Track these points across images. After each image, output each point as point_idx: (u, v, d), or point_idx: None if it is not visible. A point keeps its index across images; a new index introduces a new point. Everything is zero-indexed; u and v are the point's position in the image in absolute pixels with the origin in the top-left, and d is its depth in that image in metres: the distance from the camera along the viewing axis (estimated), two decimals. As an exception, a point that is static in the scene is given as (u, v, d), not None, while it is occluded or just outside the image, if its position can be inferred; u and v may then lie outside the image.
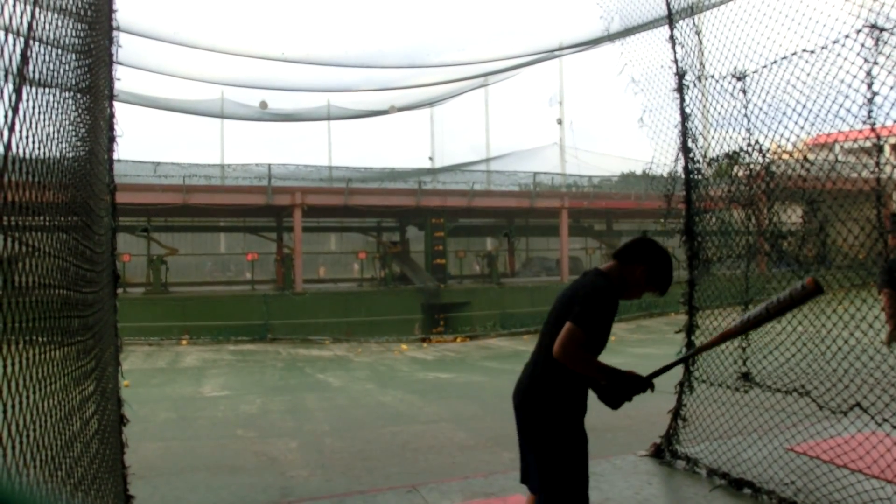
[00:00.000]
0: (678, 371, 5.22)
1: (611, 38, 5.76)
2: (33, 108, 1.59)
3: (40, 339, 1.68)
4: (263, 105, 26.45)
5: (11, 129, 1.39)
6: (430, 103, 29.96)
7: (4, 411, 1.31)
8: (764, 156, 4.30)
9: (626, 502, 4.33)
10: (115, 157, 4.27)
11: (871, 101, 3.32)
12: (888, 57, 3.29)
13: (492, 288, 23.96)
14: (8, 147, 1.37)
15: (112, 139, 4.14)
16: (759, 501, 4.23)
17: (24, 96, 1.51)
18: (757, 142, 4.31)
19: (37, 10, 1.61)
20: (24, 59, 1.53)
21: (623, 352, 14.00)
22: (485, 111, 38.50)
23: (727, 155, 4.60)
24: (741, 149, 4.44)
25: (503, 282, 24.90)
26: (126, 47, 5.02)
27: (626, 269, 2.79)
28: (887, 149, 3.49)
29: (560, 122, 35.92)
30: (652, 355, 13.50)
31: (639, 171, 27.71)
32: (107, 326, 3.42)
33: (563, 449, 2.75)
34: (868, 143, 3.45)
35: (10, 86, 1.41)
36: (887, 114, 3.36)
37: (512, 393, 3.01)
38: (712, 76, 4.64)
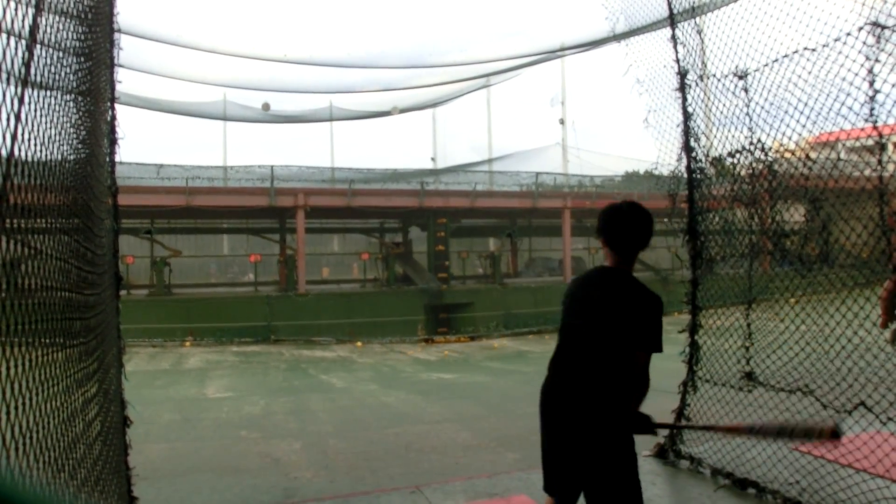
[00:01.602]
0: (682, 371, 5.21)
1: (614, 39, 5.75)
2: (35, 110, 1.59)
3: (42, 341, 1.68)
4: (266, 107, 26.49)
5: (14, 137, 1.40)
6: (432, 104, 29.97)
7: (8, 413, 1.31)
8: (766, 154, 4.30)
9: (629, 502, 4.32)
10: (118, 159, 4.28)
11: (872, 98, 3.31)
12: (890, 55, 3.28)
13: (495, 288, 23.93)
14: (11, 154, 1.38)
15: (114, 141, 4.15)
16: (763, 501, 4.22)
17: (27, 100, 1.51)
18: (759, 140, 4.30)
19: (39, 13, 1.61)
20: (27, 63, 1.53)
21: (626, 352, 13.96)
22: (487, 112, 38.54)
23: (729, 154, 4.59)
24: (743, 147, 4.44)
25: (506, 282, 24.87)
26: (128, 49, 5.04)
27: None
28: (890, 147, 3.48)
29: (562, 122, 35.98)
30: (655, 355, 13.46)
31: (641, 171, 27.72)
32: (109, 328, 3.42)
33: (635, 465, 2.71)
34: (870, 142, 3.44)
35: (13, 89, 1.42)
36: (889, 111, 3.35)
37: (556, 404, 2.76)
38: (714, 75, 4.63)
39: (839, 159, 3.81)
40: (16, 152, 1.41)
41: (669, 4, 5.06)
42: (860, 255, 3.91)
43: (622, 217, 2.75)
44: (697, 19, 4.89)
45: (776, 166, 4.28)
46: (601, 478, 2.65)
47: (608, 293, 2.70)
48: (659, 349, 2.61)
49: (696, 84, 4.96)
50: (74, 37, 2.22)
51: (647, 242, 2.75)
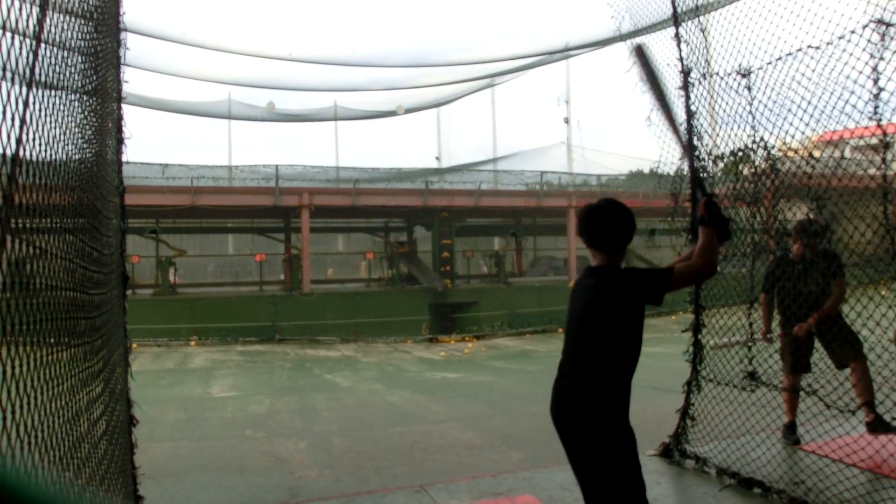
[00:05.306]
0: (686, 370, 5.21)
1: (619, 38, 5.73)
2: (40, 110, 1.60)
3: (48, 340, 1.69)
4: (270, 106, 26.55)
5: (19, 142, 1.41)
6: (437, 104, 29.97)
7: (13, 412, 1.32)
8: (769, 153, 4.28)
9: (633, 501, 4.31)
10: (124, 159, 4.30)
11: (877, 96, 3.30)
12: (895, 52, 3.27)
13: (499, 287, 23.93)
14: (16, 154, 1.39)
15: (121, 141, 4.17)
16: (769, 500, 4.21)
17: (31, 100, 1.52)
18: (762, 139, 4.29)
19: (45, 12, 1.62)
20: (33, 63, 1.54)
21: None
22: (491, 111, 38.38)
23: (732, 153, 4.58)
24: (746, 146, 4.42)
25: (511, 281, 24.87)
26: (134, 49, 5.05)
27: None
28: (895, 145, 3.47)
29: (567, 121, 35.92)
30: (660, 354, 13.45)
31: (646, 170, 27.66)
32: (115, 328, 3.44)
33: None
34: (874, 140, 3.43)
35: (18, 89, 1.42)
36: (894, 109, 3.34)
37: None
38: (717, 73, 4.62)
39: (842, 157, 3.80)
40: (21, 152, 1.42)
41: (673, 2, 5.05)
42: (864, 253, 3.90)
43: (595, 216, 2.68)
44: (701, 17, 4.88)
45: (779, 165, 4.27)
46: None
47: None
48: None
49: (700, 82, 4.95)
50: (80, 36, 2.24)
51: (627, 238, 2.66)
